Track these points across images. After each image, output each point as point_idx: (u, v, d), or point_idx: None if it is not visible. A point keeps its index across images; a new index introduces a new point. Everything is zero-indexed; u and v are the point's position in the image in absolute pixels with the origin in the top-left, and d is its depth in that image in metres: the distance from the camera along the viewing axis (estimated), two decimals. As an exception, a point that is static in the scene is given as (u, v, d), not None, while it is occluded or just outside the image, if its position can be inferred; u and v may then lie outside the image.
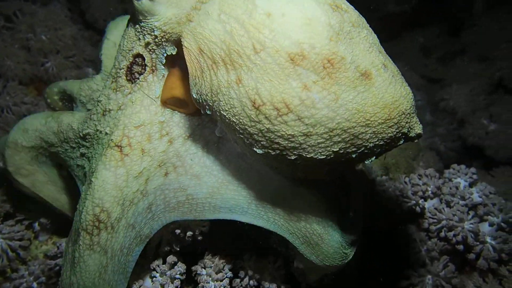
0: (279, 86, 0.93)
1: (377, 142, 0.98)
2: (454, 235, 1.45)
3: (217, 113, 1.01)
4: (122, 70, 1.19)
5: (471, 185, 1.63)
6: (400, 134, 1.00)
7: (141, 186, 1.14)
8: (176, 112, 1.18)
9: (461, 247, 1.45)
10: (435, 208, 1.56)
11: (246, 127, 0.97)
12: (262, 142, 0.98)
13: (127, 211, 1.13)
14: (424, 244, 1.51)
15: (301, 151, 0.97)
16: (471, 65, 2.93)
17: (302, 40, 0.92)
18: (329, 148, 0.96)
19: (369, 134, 0.96)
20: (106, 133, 1.18)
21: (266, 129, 0.95)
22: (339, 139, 0.95)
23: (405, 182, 1.71)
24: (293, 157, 0.98)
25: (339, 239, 1.17)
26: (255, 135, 0.98)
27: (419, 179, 1.67)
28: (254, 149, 1.00)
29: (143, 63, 1.17)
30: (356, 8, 1.04)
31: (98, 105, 1.23)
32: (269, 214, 1.15)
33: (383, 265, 1.57)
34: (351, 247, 1.20)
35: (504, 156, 2.41)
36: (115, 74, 1.22)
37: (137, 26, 1.15)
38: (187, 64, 1.04)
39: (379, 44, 1.04)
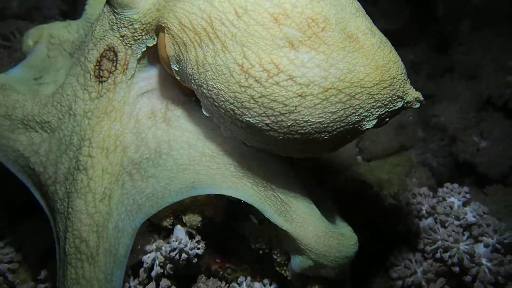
0: (266, 47, 0.92)
1: (375, 104, 0.97)
2: (450, 256, 1.45)
3: (204, 85, 0.99)
4: (91, 63, 1.14)
5: (464, 204, 1.64)
6: (396, 97, 0.98)
7: (106, 207, 1.11)
8: (133, 118, 1.15)
9: (457, 268, 1.44)
10: (430, 228, 1.56)
11: (236, 94, 0.95)
12: (255, 109, 0.95)
13: (101, 236, 1.10)
14: (420, 265, 1.50)
15: (297, 114, 0.94)
16: (460, 83, 2.97)
17: (283, 0, 0.92)
18: (326, 110, 0.94)
19: (365, 95, 0.95)
20: (71, 143, 1.14)
21: (258, 94, 0.93)
22: (336, 100, 0.93)
23: (399, 201, 1.71)
24: (289, 123, 0.95)
25: (326, 223, 1.16)
26: (246, 102, 0.95)
27: (413, 198, 1.68)
28: (246, 118, 0.97)
29: (115, 59, 1.13)
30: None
31: (64, 94, 1.17)
32: (243, 181, 1.13)
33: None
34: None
35: (495, 172, 2.43)
36: (83, 63, 1.16)
37: (112, 17, 1.11)
38: (166, 44, 1.02)
39: (365, 12, 1.03)
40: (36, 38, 1.35)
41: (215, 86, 0.97)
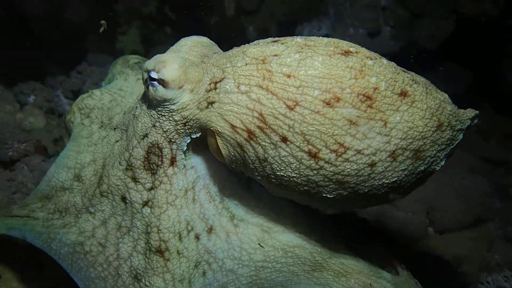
0: (327, 131, 0.95)
1: (439, 148, 1.01)
2: None
3: (272, 176, 1.02)
4: (138, 160, 1.15)
5: None
6: (456, 132, 1.03)
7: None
8: (197, 202, 1.16)
9: None
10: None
11: (309, 177, 0.98)
12: (330, 186, 0.99)
13: None
14: None
15: (371, 181, 0.99)
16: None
17: (330, 86, 0.95)
18: (397, 169, 0.98)
19: (428, 144, 0.99)
20: (135, 226, 1.15)
21: (331, 173, 0.97)
22: (403, 158, 0.98)
23: (487, 282, 1.48)
24: (366, 189, 1.00)
25: None
26: (320, 182, 0.99)
27: (505, 281, 1.45)
28: (323, 195, 1.01)
29: (161, 154, 1.14)
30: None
31: (113, 185, 1.18)
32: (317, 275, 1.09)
33: None
34: None
35: None
36: (127, 159, 1.17)
37: (153, 112, 1.14)
38: (220, 147, 1.05)
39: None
40: (71, 114, 1.42)
41: (284, 175, 1.00)
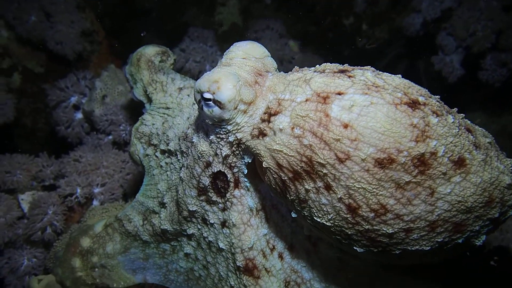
0: (372, 190, 0.91)
1: (483, 224, 0.95)
2: None
3: (308, 218, 1.00)
4: (207, 186, 1.17)
5: None
6: (507, 208, 0.96)
7: None
8: (271, 221, 1.19)
9: None
10: None
11: (343, 229, 0.97)
12: (362, 242, 0.97)
13: None
14: None
15: (404, 245, 0.96)
16: None
17: (387, 146, 0.89)
18: (433, 239, 0.94)
19: (472, 219, 0.94)
20: (220, 246, 1.20)
21: (365, 230, 0.95)
22: (442, 230, 0.93)
23: None
24: (397, 252, 0.97)
25: None
26: (353, 236, 0.97)
27: None
28: (354, 247, 1.00)
29: (226, 180, 1.16)
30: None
31: (193, 209, 1.22)
32: None
33: None
34: None
35: None
36: (196, 186, 1.19)
37: (212, 137, 1.12)
38: (264, 177, 1.04)
39: (464, 118, 1.00)
40: (133, 147, 1.44)
41: (320, 221, 0.98)
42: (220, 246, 1.20)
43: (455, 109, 0.99)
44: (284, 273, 1.17)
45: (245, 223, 1.17)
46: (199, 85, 1.05)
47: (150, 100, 1.52)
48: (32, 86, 2.56)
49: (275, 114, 1.00)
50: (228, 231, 1.18)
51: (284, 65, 2.97)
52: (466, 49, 2.77)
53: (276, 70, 1.13)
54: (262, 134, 1.02)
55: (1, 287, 1.75)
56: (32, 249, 1.82)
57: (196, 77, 2.67)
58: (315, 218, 0.98)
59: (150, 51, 1.57)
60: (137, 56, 1.56)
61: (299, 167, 0.96)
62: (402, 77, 1.00)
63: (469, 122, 1.00)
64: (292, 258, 1.18)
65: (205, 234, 1.23)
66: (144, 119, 1.43)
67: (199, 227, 1.24)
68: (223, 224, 1.19)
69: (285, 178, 0.99)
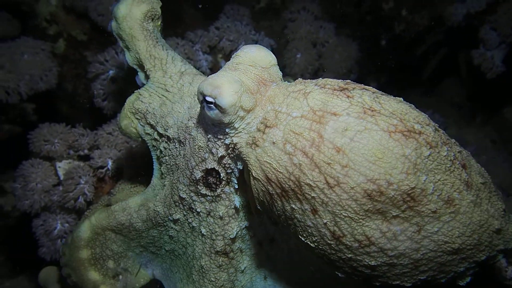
0: (358, 220, 0.91)
1: (468, 265, 0.94)
2: None
3: (293, 236, 1.02)
4: (198, 179, 1.20)
5: None
6: (495, 252, 0.95)
7: (248, 282, 1.26)
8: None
9: None
10: None
11: (326, 253, 0.97)
12: (344, 269, 0.97)
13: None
14: None
15: (386, 279, 0.96)
16: None
17: (377, 176, 0.88)
18: (415, 277, 0.94)
19: (457, 261, 0.92)
20: (201, 232, 1.27)
21: (347, 258, 0.94)
22: (426, 268, 0.92)
23: None
24: (377, 284, 0.96)
25: None
26: (336, 262, 0.97)
27: None
28: (335, 271, 0.99)
29: (218, 177, 1.18)
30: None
31: (181, 198, 1.28)
32: None
33: None
34: None
35: None
36: (189, 176, 1.22)
37: (210, 136, 1.13)
38: (252, 187, 1.05)
39: (459, 147, 0.96)
40: (126, 119, 1.38)
41: (304, 241, 0.98)
42: (202, 232, 1.26)
43: (453, 140, 0.95)
44: (260, 257, 1.26)
45: (231, 216, 1.23)
46: (202, 88, 1.06)
47: (143, 69, 1.41)
48: (74, 52, 2.66)
49: (270, 127, 1.00)
50: (212, 220, 1.24)
51: (317, 48, 2.94)
52: (509, 46, 2.66)
53: (281, 80, 1.12)
54: (255, 144, 1.02)
55: (35, 248, 1.92)
56: (65, 214, 1.96)
57: (228, 56, 2.69)
58: (299, 236, 0.99)
59: (137, 13, 1.33)
60: (122, 15, 1.34)
61: (287, 185, 0.95)
62: (404, 99, 0.98)
63: (468, 156, 0.96)
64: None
65: (189, 220, 1.28)
66: (140, 95, 1.36)
67: (185, 213, 1.29)
68: (208, 213, 1.25)
69: (273, 192, 0.98)
